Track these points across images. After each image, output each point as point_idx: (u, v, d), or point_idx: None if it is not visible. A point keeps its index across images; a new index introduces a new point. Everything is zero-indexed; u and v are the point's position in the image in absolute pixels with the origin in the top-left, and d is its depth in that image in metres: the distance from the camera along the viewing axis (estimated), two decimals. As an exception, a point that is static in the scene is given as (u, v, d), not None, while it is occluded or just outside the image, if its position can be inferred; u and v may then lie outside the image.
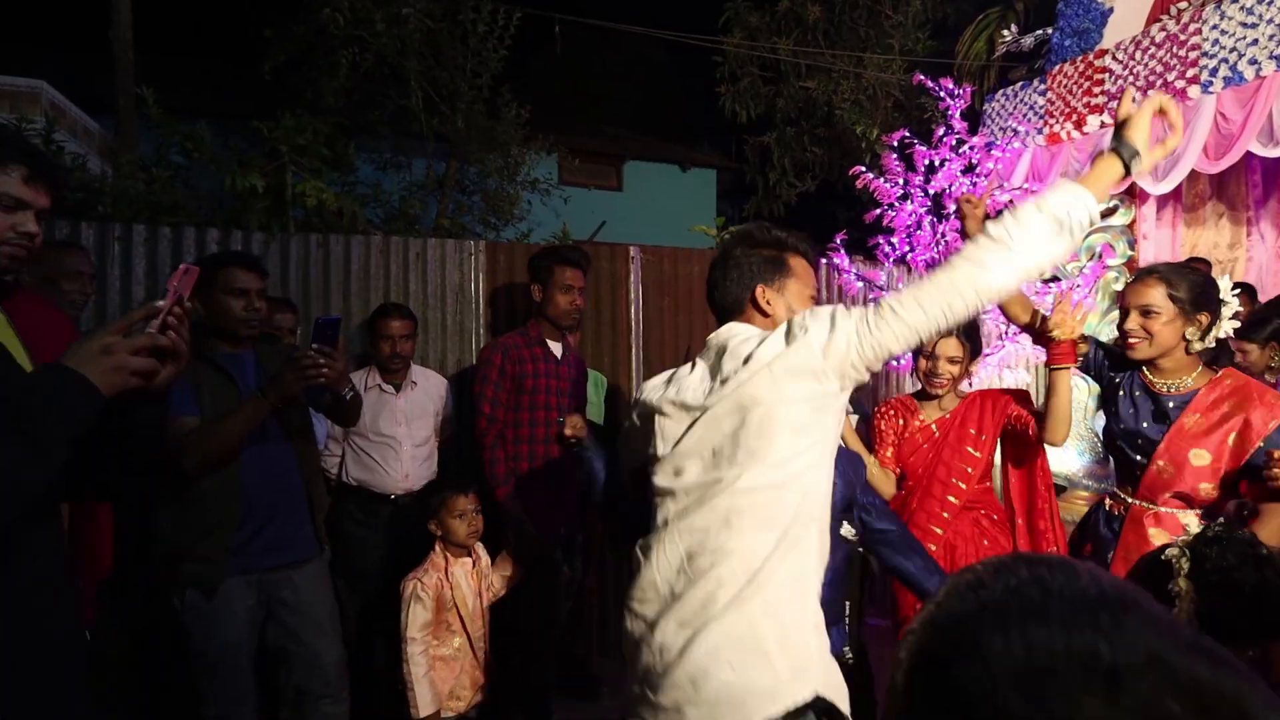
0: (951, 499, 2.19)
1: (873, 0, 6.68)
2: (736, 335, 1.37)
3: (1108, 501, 2.12)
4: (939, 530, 2.19)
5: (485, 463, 2.55)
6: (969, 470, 2.19)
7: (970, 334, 2.25)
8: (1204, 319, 1.93)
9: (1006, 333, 4.38)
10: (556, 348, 2.72)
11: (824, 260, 4.33)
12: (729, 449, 1.28)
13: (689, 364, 1.45)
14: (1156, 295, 1.92)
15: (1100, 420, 4.35)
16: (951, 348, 2.20)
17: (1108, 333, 4.38)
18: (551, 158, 7.92)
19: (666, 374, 1.49)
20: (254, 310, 2.18)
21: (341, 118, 5.13)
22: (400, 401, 2.93)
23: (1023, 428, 2.20)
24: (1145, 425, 2.01)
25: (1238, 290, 2.08)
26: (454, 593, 2.35)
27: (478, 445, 2.59)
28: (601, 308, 3.67)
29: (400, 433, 2.89)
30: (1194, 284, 1.93)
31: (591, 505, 2.95)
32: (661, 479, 1.39)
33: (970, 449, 2.21)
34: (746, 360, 1.28)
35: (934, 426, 2.25)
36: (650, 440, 1.42)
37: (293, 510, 2.22)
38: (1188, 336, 1.93)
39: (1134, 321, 1.95)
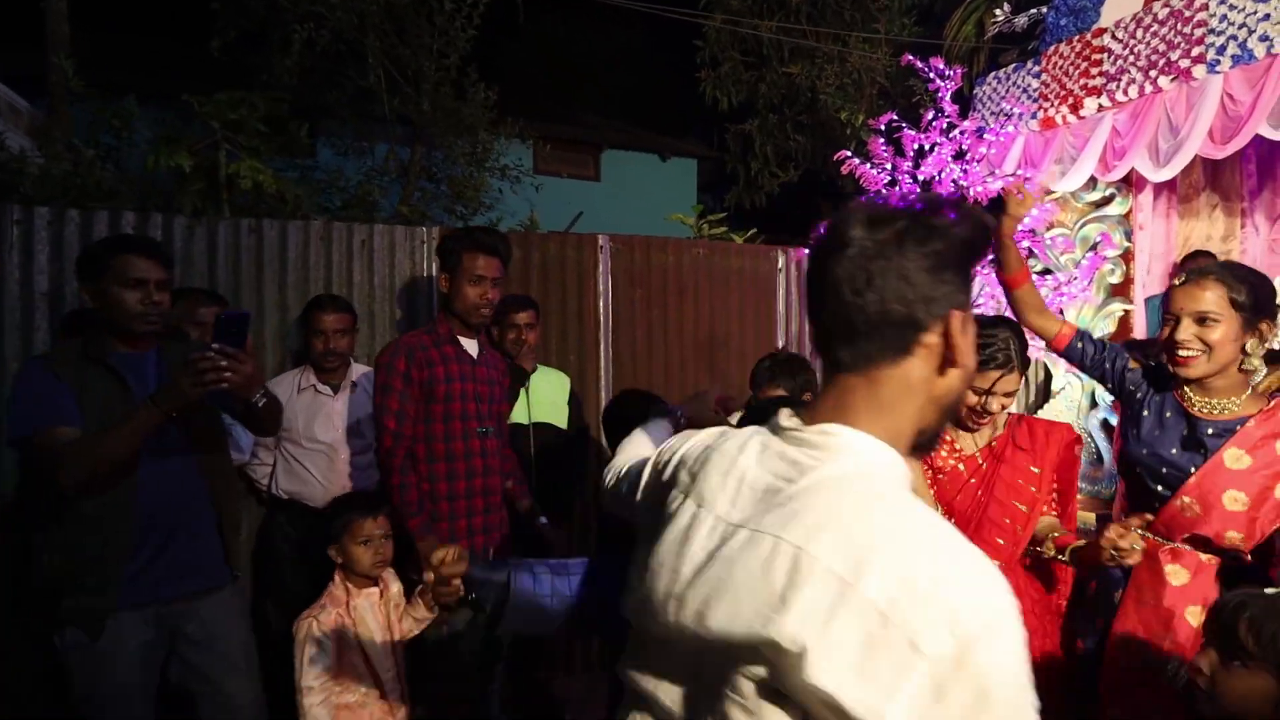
0: (1001, 541, 1.76)
1: (858, -18, 6.44)
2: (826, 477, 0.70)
3: None
4: None
5: (393, 488, 2.17)
6: (1023, 508, 1.77)
7: (1025, 363, 1.82)
8: (1266, 328, 1.62)
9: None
10: (471, 346, 2.35)
11: (806, 251, 4.08)
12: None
13: (744, 439, 0.80)
14: (1213, 299, 1.58)
15: (1094, 418, 4.17)
16: (1013, 383, 1.75)
17: (1102, 328, 4.18)
18: (526, 146, 7.62)
19: (717, 437, 0.85)
20: (153, 303, 1.88)
21: (291, 98, 4.78)
22: (338, 404, 2.65)
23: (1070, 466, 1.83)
24: (1174, 452, 1.70)
25: None
26: (357, 629, 2.03)
27: (383, 467, 2.23)
28: (568, 300, 3.41)
29: (337, 439, 2.61)
30: (1255, 285, 1.62)
31: (532, 524, 2.61)
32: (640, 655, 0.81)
33: (1024, 482, 1.79)
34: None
35: (979, 457, 1.83)
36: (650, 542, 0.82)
37: (197, 532, 1.93)
38: (1247, 350, 1.62)
39: (1187, 331, 1.60)
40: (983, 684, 0.57)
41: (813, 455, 0.72)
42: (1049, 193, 4.19)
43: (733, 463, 0.78)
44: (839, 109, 6.09)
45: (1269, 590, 1.21)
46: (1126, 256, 4.19)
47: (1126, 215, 4.22)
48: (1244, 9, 3.20)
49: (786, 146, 7.22)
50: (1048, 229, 4.24)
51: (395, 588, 2.14)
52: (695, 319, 3.73)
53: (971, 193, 3.92)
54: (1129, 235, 4.21)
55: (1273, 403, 1.66)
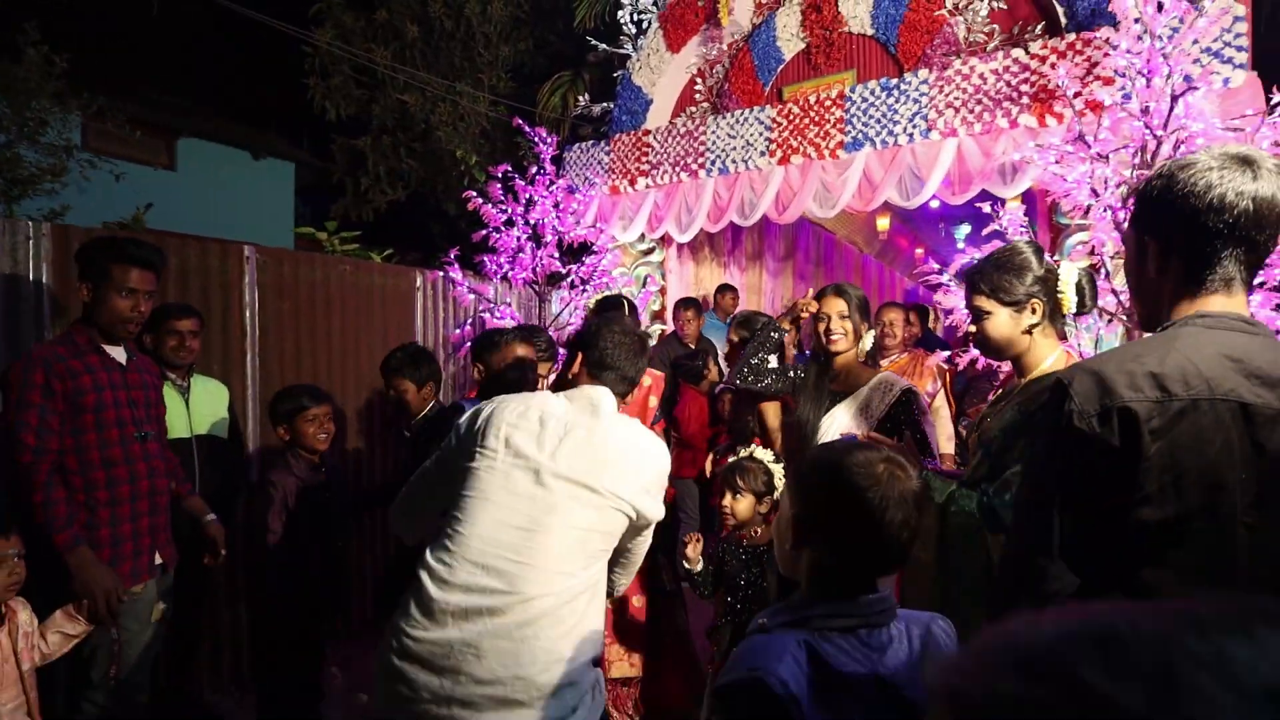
0: None
1: (466, 35, 7.26)
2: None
3: None
4: None
5: (37, 506, 2.08)
6: None
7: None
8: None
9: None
10: (118, 353, 2.31)
11: (440, 273, 4.70)
12: None
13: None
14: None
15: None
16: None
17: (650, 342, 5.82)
18: (74, 116, 6.36)
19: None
20: None
21: None
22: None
23: None
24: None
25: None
26: None
27: (24, 484, 2.10)
28: (211, 310, 3.37)
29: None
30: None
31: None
32: None
33: None
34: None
35: None
36: None
37: None
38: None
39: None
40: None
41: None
42: (614, 240, 5.65)
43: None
44: (456, 146, 6.80)
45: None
46: (663, 291, 5.91)
47: (662, 263, 5.94)
48: (724, 139, 5.02)
49: (399, 168, 7.61)
50: (615, 269, 5.70)
51: (24, 615, 2.00)
52: (341, 331, 4.01)
53: (567, 237, 5.09)
54: (664, 276, 5.94)
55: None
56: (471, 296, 4.83)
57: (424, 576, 1.45)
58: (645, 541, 1.68)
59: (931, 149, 4.16)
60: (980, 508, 1.67)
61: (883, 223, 7.54)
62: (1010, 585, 1.10)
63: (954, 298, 3.26)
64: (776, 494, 2.29)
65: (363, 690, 3.21)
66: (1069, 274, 1.72)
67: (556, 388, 1.76)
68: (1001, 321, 1.73)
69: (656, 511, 1.60)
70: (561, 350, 3.26)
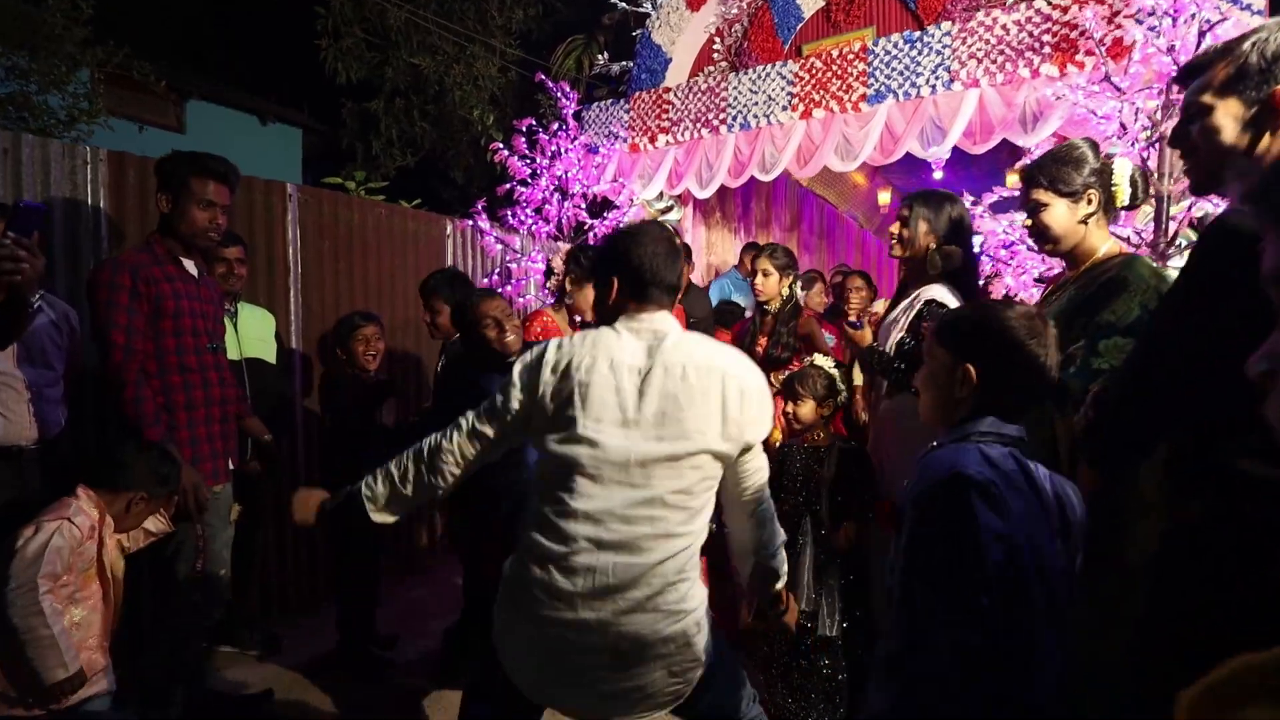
0: None
1: (482, 0, 7.27)
2: None
3: None
4: None
5: (128, 401, 2.16)
6: None
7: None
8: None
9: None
10: (191, 266, 2.39)
11: (469, 222, 4.77)
12: None
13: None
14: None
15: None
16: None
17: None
18: (83, 75, 6.33)
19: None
20: None
21: None
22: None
23: None
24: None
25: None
26: (102, 553, 1.95)
27: (115, 382, 2.18)
28: (256, 243, 3.43)
29: (25, 370, 2.33)
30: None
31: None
32: None
33: None
34: None
35: None
36: None
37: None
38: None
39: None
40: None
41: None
42: (635, 195, 5.72)
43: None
44: (472, 107, 6.83)
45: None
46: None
47: (680, 221, 6.03)
48: (745, 95, 5.09)
49: (411, 132, 7.63)
50: (635, 225, 5.78)
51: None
52: (377, 273, 4.08)
53: (591, 190, 5.17)
54: (679, 234, 6.03)
55: None
56: (499, 246, 4.90)
57: (535, 566, 1.43)
58: (760, 469, 1.55)
59: (953, 100, 4.27)
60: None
61: (884, 197, 7.66)
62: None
63: (987, 222, 3.38)
64: (841, 396, 2.40)
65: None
66: (1123, 167, 1.83)
67: (599, 319, 1.58)
68: (1059, 213, 1.84)
69: (757, 434, 1.49)
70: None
